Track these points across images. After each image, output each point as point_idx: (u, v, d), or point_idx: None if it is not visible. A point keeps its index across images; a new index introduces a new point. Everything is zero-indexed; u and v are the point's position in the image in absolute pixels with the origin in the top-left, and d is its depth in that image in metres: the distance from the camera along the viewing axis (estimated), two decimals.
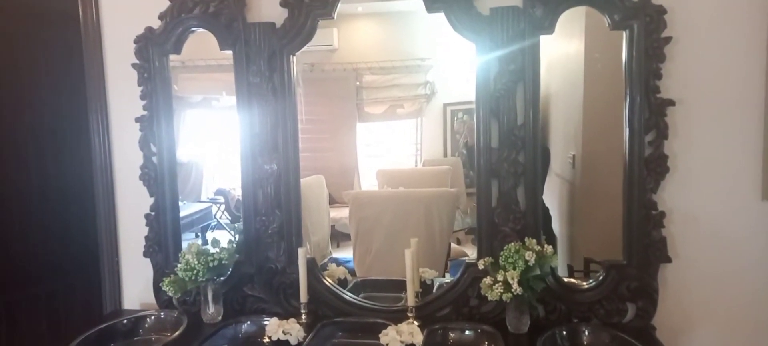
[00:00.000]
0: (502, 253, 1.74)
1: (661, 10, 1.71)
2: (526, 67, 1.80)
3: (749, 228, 1.81)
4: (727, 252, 1.83)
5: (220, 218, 3.05)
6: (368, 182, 3.22)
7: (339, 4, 1.90)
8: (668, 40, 1.73)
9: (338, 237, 2.87)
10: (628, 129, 1.77)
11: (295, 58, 1.97)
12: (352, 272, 2.34)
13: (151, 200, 2.10)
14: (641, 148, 1.76)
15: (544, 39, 1.81)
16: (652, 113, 1.74)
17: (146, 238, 2.12)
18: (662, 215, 1.79)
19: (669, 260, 1.80)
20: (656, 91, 1.74)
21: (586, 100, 2.12)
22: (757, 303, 1.84)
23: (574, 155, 2.21)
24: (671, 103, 1.75)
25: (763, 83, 1.75)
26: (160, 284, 1.94)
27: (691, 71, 1.76)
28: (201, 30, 2.01)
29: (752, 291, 1.84)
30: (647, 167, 1.77)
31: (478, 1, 1.82)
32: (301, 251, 1.92)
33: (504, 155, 1.84)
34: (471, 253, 2.63)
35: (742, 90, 1.76)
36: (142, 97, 2.06)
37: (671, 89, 1.76)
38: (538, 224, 1.85)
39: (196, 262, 1.86)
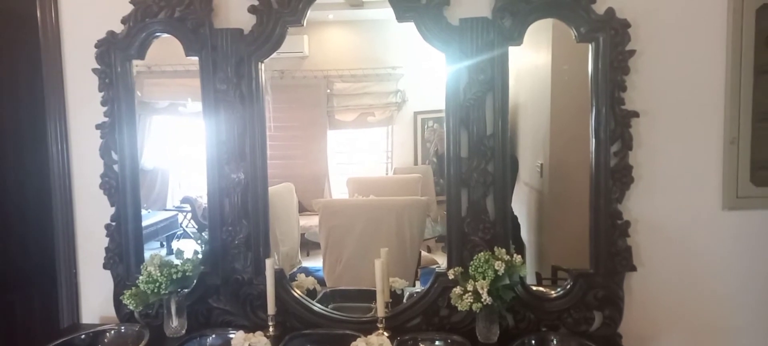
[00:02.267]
0: (471, 262, 1.74)
1: (626, 24, 1.75)
2: (496, 78, 1.82)
3: (710, 237, 1.86)
4: (689, 260, 1.87)
5: (187, 226, 2.98)
6: (339, 190, 3.20)
7: (309, 11, 1.88)
8: (632, 52, 1.76)
9: (308, 246, 2.84)
10: (594, 140, 1.80)
11: (263, 65, 1.94)
12: (322, 282, 2.31)
13: (112, 210, 2.03)
14: (607, 159, 1.79)
15: (512, 50, 1.82)
16: (617, 124, 1.78)
17: (107, 249, 2.04)
18: (628, 224, 1.82)
19: (634, 268, 1.83)
20: (621, 102, 1.77)
21: (553, 110, 2.15)
22: (720, 310, 1.89)
23: (542, 164, 2.24)
24: (635, 114, 1.78)
25: (723, 95, 1.80)
26: (121, 297, 1.87)
27: (654, 83, 1.81)
28: (166, 35, 1.96)
29: (714, 298, 1.88)
30: (613, 177, 1.80)
31: (448, 11, 1.83)
32: (268, 262, 1.89)
33: (473, 165, 1.85)
34: (441, 261, 2.63)
35: (703, 102, 1.82)
36: (103, 104, 2.00)
37: (635, 101, 1.80)
38: (507, 233, 1.86)
39: (159, 274, 1.80)
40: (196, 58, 1.94)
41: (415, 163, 3.58)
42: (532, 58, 2.18)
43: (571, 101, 2.08)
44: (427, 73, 3.02)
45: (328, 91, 3.20)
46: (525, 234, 2.30)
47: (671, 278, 1.88)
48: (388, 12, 1.86)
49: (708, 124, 1.82)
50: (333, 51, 3.14)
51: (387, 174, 3.44)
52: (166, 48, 2.01)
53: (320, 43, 2.99)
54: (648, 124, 1.81)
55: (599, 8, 1.76)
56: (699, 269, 1.87)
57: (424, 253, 2.71)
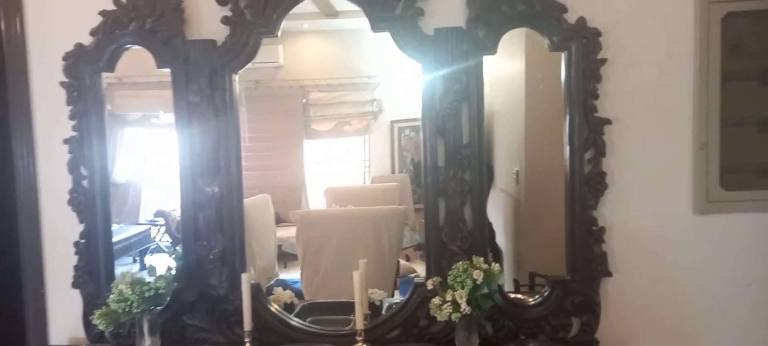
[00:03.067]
0: (450, 272, 1.74)
1: (597, 33, 1.78)
2: (471, 87, 1.82)
3: (683, 241, 1.89)
4: (663, 265, 1.90)
5: (160, 240, 2.93)
6: (316, 200, 3.18)
7: (283, 22, 1.87)
8: (604, 61, 1.79)
9: (285, 257, 2.81)
10: (568, 147, 1.82)
11: (237, 76, 1.91)
12: (299, 294, 2.28)
13: (81, 227, 1.98)
14: (581, 166, 1.81)
15: (487, 59, 1.84)
16: (590, 132, 1.80)
17: (75, 267, 1.98)
18: (603, 230, 1.84)
19: (610, 274, 1.85)
20: (594, 110, 1.80)
21: (528, 118, 2.18)
22: (693, 313, 1.92)
23: (518, 171, 2.26)
24: (608, 122, 1.81)
25: (692, 102, 1.85)
26: (91, 317, 1.82)
27: (625, 91, 1.84)
28: (137, 47, 1.92)
29: (688, 302, 1.91)
30: (587, 184, 1.82)
31: (423, 21, 1.84)
32: (245, 277, 1.85)
33: (450, 174, 1.85)
34: (420, 269, 2.62)
35: (672, 108, 1.85)
36: (71, 118, 1.94)
37: (607, 108, 1.82)
38: (485, 241, 1.87)
39: (131, 292, 1.75)
40: (168, 70, 1.90)
41: (393, 171, 3.59)
42: (506, 67, 2.20)
43: (545, 109, 2.11)
44: (403, 83, 3.04)
45: (304, 100, 3.19)
46: (501, 241, 2.31)
47: (646, 283, 1.90)
48: (363, 22, 1.86)
49: (678, 130, 1.85)
50: (308, 61, 3.14)
51: (364, 183, 3.44)
52: (137, 59, 1.97)
53: (295, 52, 2.98)
54: (620, 131, 1.84)
55: (571, 18, 1.79)
56: (672, 273, 1.90)
57: (402, 262, 2.71)
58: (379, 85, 3.31)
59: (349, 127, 3.45)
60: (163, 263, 1.96)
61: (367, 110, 3.40)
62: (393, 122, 3.51)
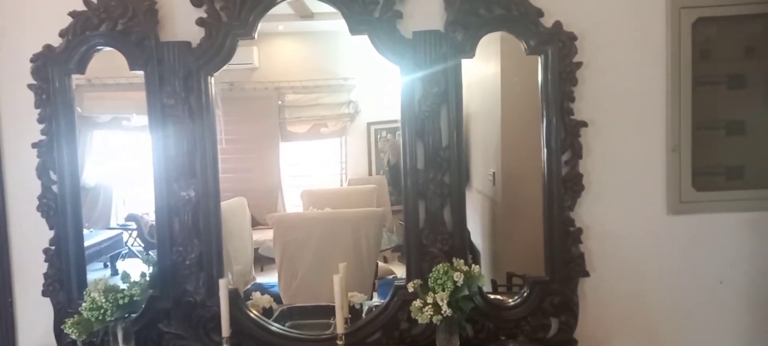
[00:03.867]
0: (430, 274, 1.74)
1: (573, 37, 1.81)
2: (449, 90, 1.83)
3: (657, 240, 1.94)
4: (638, 264, 1.94)
5: (132, 245, 2.87)
6: (293, 203, 3.15)
7: (260, 24, 1.85)
8: (579, 64, 1.83)
9: (262, 261, 2.78)
10: (545, 149, 1.84)
11: (213, 78, 1.88)
12: (278, 299, 2.26)
13: (51, 233, 1.92)
14: (558, 168, 1.84)
15: (464, 62, 1.85)
16: (567, 134, 1.83)
17: (45, 275, 1.92)
18: (580, 231, 1.87)
19: (587, 274, 1.88)
20: (570, 113, 1.83)
21: (504, 120, 2.20)
22: (668, 310, 1.96)
23: (494, 173, 2.28)
24: (584, 124, 1.84)
25: (665, 105, 1.89)
26: (62, 326, 1.76)
27: (600, 94, 1.87)
28: (108, 49, 1.87)
29: (663, 299, 1.96)
30: (564, 186, 1.85)
31: (402, 24, 1.84)
32: (222, 282, 1.82)
33: (430, 176, 1.86)
34: (398, 271, 2.63)
35: (645, 111, 1.90)
36: (40, 121, 1.89)
37: (583, 111, 1.86)
38: (464, 243, 1.88)
39: (104, 300, 1.70)
40: (140, 72, 1.86)
41: (370, 173, 3.58)
42: (481, 70, 2.22)
43: (521, 111, 2.13)
44: (379, 84, 3.04)
45: (280, 102, 3.16)
46: (478, 241, 2.33)
47: (622, 282, 1.94)
48: (339, 23, 1.85)
49: (651, 132, 1.90)
50: (283, 62, 3.11)
51: (341, 185, 3.43)
52: (107, 60, 1.93)
53: (270, 54, 2.95)
54: (595, 133, 1.87)
55: (547, 22, 1.82)
56: (647, 272, 1.94)
57: (380, 263, 2.70)
58: (355, 87, 3.30)
59: (325, 129, 3.43)
60: (136, 268, 1.91)
61: (343, 112, 3.39)
62: (369, 124, 3.50)
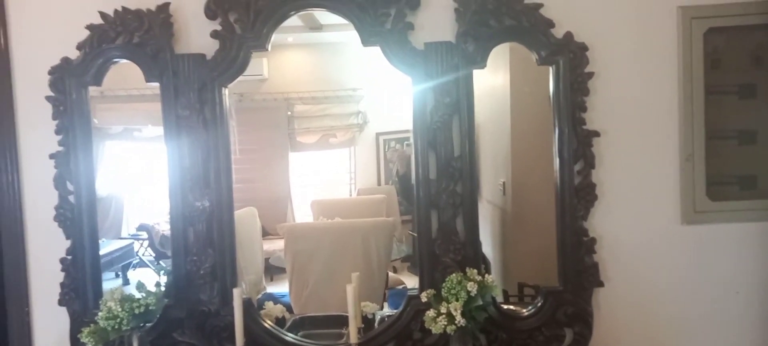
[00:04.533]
0: (444, 284, 1.74)
1: (584, 47, 1.82)
2: (461, 100, 1.84)
3: (671, 251, 1.93)
4: (652, 274, 1.93)
5: (143, 255, 2.89)
6: (302, 213, 3.17)
7: (273, 36, 1.87)
8: (591, 74, 1.83)
9: (272, 270, 2.79)
10: (557, 159, 1.84)
11: (227, 90, 1.91)
12: (289, 308, 2.26)
13: (68, 243, 1.94)
14: (571, 178, 1.84)
15: (474, 72, 1.85)
16: (579, 144, 1.83)
17: (62, 284, 1.94)
18: (593, 240, 1.87)
19: (602, 284, 1.88)
20: (582, 122, 1.83)
21: (513, 130, 2.20)
22: (682, 321, 1.94)
23: (504, 182, 2.28)
24: (596, 134, 1.84)
25: (677, 114, 1.89)
26: (79, 335, 1.78)
27: (612, 104, 1.87)
28: (124, 61, 1.90)
29: (677, 310, 1.94)
30: (577, 195, 1.85)
31: (413, 35, 1.86)
32: (236, 292, 1.83)
33: (442, 186, 1.86)
34: (408, 281, 2.63)
35: (658, 121, 1.89)
36: (57, 132, 1.92)
37: (596, 121, 1.86)
38: (477, 253, 1.88)
39: (120, 309, 1.72)
40: (154, 83, 1.89)
41: (379, 183, 3.59)
42: (490, 80, 2.23)
43: (530, 121, 2.14)
44: (387, 95, 3.06)
45: (289, 113, 3.18)
46: (488, 251, 2.32)
47: (636, 293, 1.93)
48: (348, 35, 1.87)
49: (664, 142, 1.89)
50: (293, 73, 3.14)
51: (350, 195, 3.44)
52: (120, 72, 1.96)
53: (280, 65, 2.98)
54: (608, 143, 1.87)
55: (558, 32, 1.82)
56: (662, 281, 1.93)
57: (390, 274, 2.70)
58: (363, 98, 3.32)
59: (334, 139, 3.45)
60: (147, 278, 1.93)
61: (352, 123, 3.41)
62: (378, 134, 3.52)
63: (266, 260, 2.79)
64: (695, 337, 1.95)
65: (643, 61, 1.88)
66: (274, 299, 2.36)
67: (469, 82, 1.85)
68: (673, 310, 1.94)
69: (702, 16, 1.84)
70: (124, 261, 2.76)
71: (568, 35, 1.82)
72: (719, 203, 1.90)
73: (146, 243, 2.93)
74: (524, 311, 1.90)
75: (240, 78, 1.91)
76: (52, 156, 1.92)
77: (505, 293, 2.24)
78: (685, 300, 1.94)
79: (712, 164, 1.89)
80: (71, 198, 1.93)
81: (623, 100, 1.88)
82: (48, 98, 1.91)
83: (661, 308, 1.94)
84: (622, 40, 1.87)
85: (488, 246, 2.31)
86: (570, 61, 1.81)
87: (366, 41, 1.85)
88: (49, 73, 1.90)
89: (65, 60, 1.89)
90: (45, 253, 1.99)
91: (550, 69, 1.83)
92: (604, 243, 1.89)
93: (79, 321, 1.91)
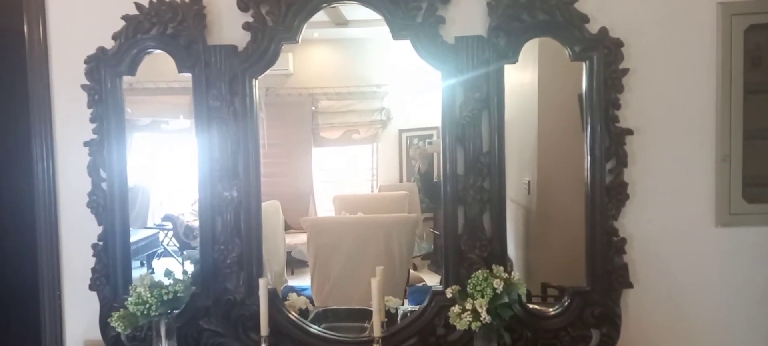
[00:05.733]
0: (469, 280, 1.73)
1: (619, 43, 1.78)
2: (491, 96, 1.83)
3: (704, 253, 1.88)
4: (684, 277, 1.89)
5: (168, 245, 2.93)
6: (324, 208, 3.17)
7: (303, 29, 1.87)
8: (626, 71, 1.79)
9: (293, 264, 2.80)
10: (589, 157, 1.81)
11: (257, 81, 1.92)
12: (311, 301, 2.27)
13: (100, 229, 1.98)
14: (602, 176, 1.80)
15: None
16: (611, 142, 1.80)
17: (93, 269, 1.98)
18: (623, 241, 1.83)
19: (631, 285, 1.84)
20: (615, 120, 1.80)
21: (540, 128, 2.17)
22: (714, 326, 1.90)
23: (529, 181, 2.25)
24: (629, 132, 1.81)
25: (714, 113, 1.84)
26: (108, 320, 1.81)
27: (647, 101, 1.84)
28: (157, 51, 1.93)
29: (709, 315, 1.90)
30: (608, 195, 1.81)
31: (444, 29, 1.84)
32: (262, 282, 1.84)
33: (470, 182, 1.85)
34: (428, 279, 2.62)
35: (694, 119, 1.85)
36: (92, 120, 1.95)
37: (629, 119, 1.82)
38: (504, 250, 1.86)
39: (149, 295, 1.74)
40: (182, 76, 1.91)
41: (401, 180, 3.58)
42: (517, 77, 2.20)
43: (558, 119, 2.11)
44: (411, 92, 3.04)
45: (313, 108, 3.19)
46: (512, 251, 2.30)
47: (666, 295, 1.89)
48: (373, 31, 1.87)
49: (700, 141, 1.85)
50: (318, 69, 3.15)
51: (372, 192, 3.43)
52: (149, 65, 1.99)
53: (305, 60, 2.99)
54: (641, 141, 1.83)
55: (592, 27, 1.79)
56: (693, 285, 1.89)
57: (411, 271, 2.69)
58: (387, 94, 3.31)
59: (357, 135, 3.45)
60: (172, 268, 1.95)
61: (375, 119, 3.40)
62: (401, 131, 3.50)
63: (288, 253, 2.80)
64: (727, 342, 1.90)
65: (680, 58, 1.84)
66: (297, 292, 2.37)
67: (499, 76, 1.83)
68: (705, 315, 1.90)
69: (743, 13, 1.79)
70: (149, 250, 2.79)
71: (603, 30, 1.78)
72: (756, 206, 1.85)
73: (171, 233, 2.96)
74: (551, 310, 1.88)
75: (266, 73, 1.93)
76: (86, 144, 1.96)
77: (529, 293, 2.20)
78: (718, 305, 1.89)
79: (749, 165, 1.84)
80: (104, 185, 1.96)
81: (658, 97, 1.84)
82: (83, 87, 1.94)
83: (692, 312, 1.90)
84: (659, 36, 1.83)
85: (511, 245, 2.27)
86: (604, 57, 1.77)
87: (396, 35, 1.85)
88: (85, 62, 1.93)
89: (101, 50, 1.93)
90: (77, 239, 2.03)
91: (584, 65, 1.80)
92: (634, 244, 1.86)
93: (108, 306, 1.95)
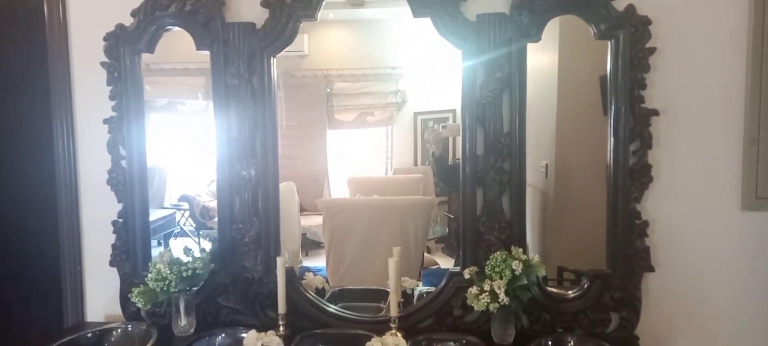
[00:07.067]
0: (488, 262, 1.72)
1: (646, 21, 1.73)
2: (513, 75, 1.79)
3: (729, 237, 1.84)
4: (707, 262, 1.86)
5: (184, 225, 2.95)
6: (338, 191, 3.17)
7: (322, 6, 1.85)
8: (652, 50, 1.75)
9: (307, 245, 2.81)
10: (612, 138, 1.77)
11: (275, 60, 1.91)
12: (327, 281, 2.27)
13: (120, 206, 1.99)
14: (626, 158, 1.77)
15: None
16: (636, 123, 1.76)
17: (113, 246, 2.00)
18: (646, 224, 1.80)
19: (652, 269, 1.81)
20: (640, 101, 1.76)
21: (559, 111, 2.13)
22: (737, 312, 1.87)
23: (547, 165, 2.22)
24: (655, 113, 1.76)
25: (744, 95, 1.79)
26: (129, 295, 1.83)
27: (674, 82, 1.79)
28: (175, 29, 1.92)
29: (732, 300, 1.87)
30: (631, 177, 1.78)
31: (465, 7, 1.81)
32: (279, 260, 1.85)
33: (490, 163, 1.83)
34: (441, 262, 2.61)
35: (722, 101, 1.80)
36: (111, 98, 1.96)
37: (655, 99, 1.78)
38: (522, 232, 1.84)
39: (169, 272, 1.76)
40: (199, 56, 1.90)
41: (415, 163, 3.56)
42: (536, 58, 2.16)
43: (577, 101, 2.07)
44: (426, 74, 3.01)
45: (328, 90, 3.17)
46: (528, 235, 2.28)
47: (689, 280, 1.86)
48: (389, 11, 1.84)
49: (728, 124, 1.80)
50: (333, 50, 3.12)
51: (387, 174, 3.42)
52: (165, 46, 1.98)
53: (320, 42, 2.97)
54: (667, 123, 1.79)
55: (619, 5, 1.74)
56: (717, 270, 1.86)
57: (424, 254, 2.69)
58: (402, 77, 3.28)
59: (371, 117, 3.43)
60: (189, 247, 1.96)
61: (390, 101, 3.37)
62: (416, 114, 3.48)
63: (303, 235, 2.81)
64: (748, 330, 1.88)
65: (709, 37, 1.78)
66: (312, 272, 2.38)
67: (522, 55, 1.79)
68: (728, 300, 1.87)
69: None
70: (166, 230, 2.82)
71: (630, 8, 1.73)
72: None
73: (187, 214, 2.98)
74: (569, 293, 1.86)
75: (282, 54, 1.91)
76: (105, 121, 1.97)
77: (545, 278, 2.19)
78: (741, 291, 1.86)
79: None
80: (123, 163, 1.97)
81: (686, 78, 1.79)
82: (103, 64, 1.94)
83: (715, 298, 1.87)
84: (688, 14, 1.77)
85: (528, 229, 2.26)
86: (631, 35, 1.73)
87: (417, 12, 1.82)
88: (105, 39, 1.93)
89: (120, 27, 1.92)
90: (97, 216, 2.04)
91: (609, 44, 1.76)
92: (656, 227, 1.82)
93: (129, 282, 1.97)
